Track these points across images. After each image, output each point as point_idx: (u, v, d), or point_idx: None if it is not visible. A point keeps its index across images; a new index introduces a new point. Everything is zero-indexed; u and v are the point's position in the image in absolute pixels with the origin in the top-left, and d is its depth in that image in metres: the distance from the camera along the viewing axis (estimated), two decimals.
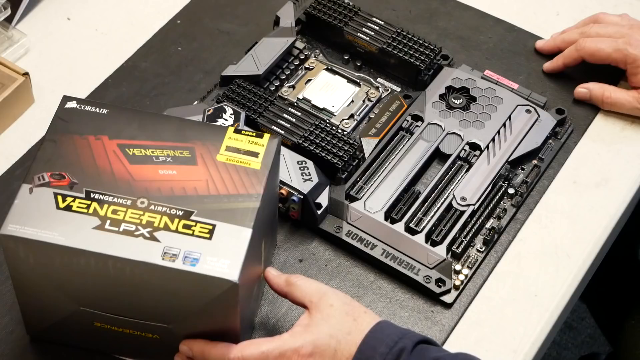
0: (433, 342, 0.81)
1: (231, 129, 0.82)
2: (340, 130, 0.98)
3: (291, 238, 0.95)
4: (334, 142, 0.96)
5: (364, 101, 1.04)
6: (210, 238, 0.75)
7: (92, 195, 0.77)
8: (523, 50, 1.12)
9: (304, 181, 0.93)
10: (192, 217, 0.76)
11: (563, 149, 1.03)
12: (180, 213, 0.76)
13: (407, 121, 1.02)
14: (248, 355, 0.78)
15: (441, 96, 1.04)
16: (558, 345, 1.71)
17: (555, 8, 1.17)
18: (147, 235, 0.75)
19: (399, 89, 1.06)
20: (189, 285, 0.75)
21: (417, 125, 1.02)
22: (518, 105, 1.03)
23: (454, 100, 1.03)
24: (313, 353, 0.78)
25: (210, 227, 0.76)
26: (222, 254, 0.75)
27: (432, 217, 0.95)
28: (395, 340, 0.79)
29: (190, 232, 0.75)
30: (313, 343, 0.78)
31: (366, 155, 0.99)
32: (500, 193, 0.97)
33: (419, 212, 0.95)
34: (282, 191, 0.93)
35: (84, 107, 0.82)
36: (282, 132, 0.97)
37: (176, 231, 0.75)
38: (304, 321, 0.81)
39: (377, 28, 1.07)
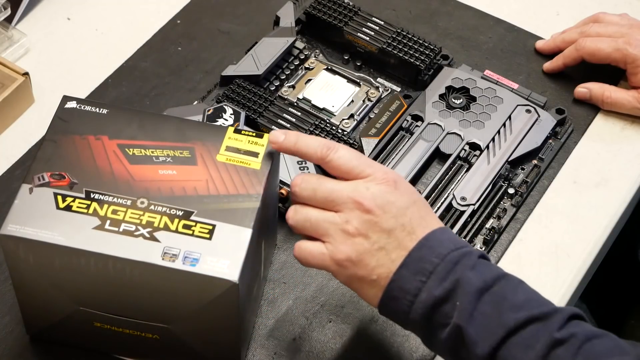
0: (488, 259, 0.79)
1: (231, 129, 0.82)
2: (340, 130, 0.98)
3: (291, 238, 0.95)
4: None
5: (364, 101, 1.04)
6: (210, 238, 0.75)
7: (92, 196, 0.77)
8: (523, 50, 1.12)
9: None
10: (192, 218, 0.76)
11: (563, 149, 1.03)
12: (180, 213, 0.76)
13: (407, 121, 1.02)
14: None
15: (441, 96, 1.04)
16: None
17: (555, 8, 1.17)
18: (147, 235, 0.75)
19: (399, 89, 1.06)
20: (188, 285, 0.75)
21: (417, 125, 1.01)
22: (518, 105, 1.03)
23: (454, 100, 1.03)
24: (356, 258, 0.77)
25: (210, 227, 0.76)
26: (222, 254, 0.74)
27: None
28: (459, 246, 0.76)
29: (190, 232, 0.75)
30: (358, 250, 0.76)
31: (366, 155, 0.98)
32: (500, 193, 0.97)
33: None
34: (282, 191, 0.93)
35: (84, 107, 0.82)
36: None
37: (176, 231, 0.75)
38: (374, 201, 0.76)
39: (377, 28, 1.07)
